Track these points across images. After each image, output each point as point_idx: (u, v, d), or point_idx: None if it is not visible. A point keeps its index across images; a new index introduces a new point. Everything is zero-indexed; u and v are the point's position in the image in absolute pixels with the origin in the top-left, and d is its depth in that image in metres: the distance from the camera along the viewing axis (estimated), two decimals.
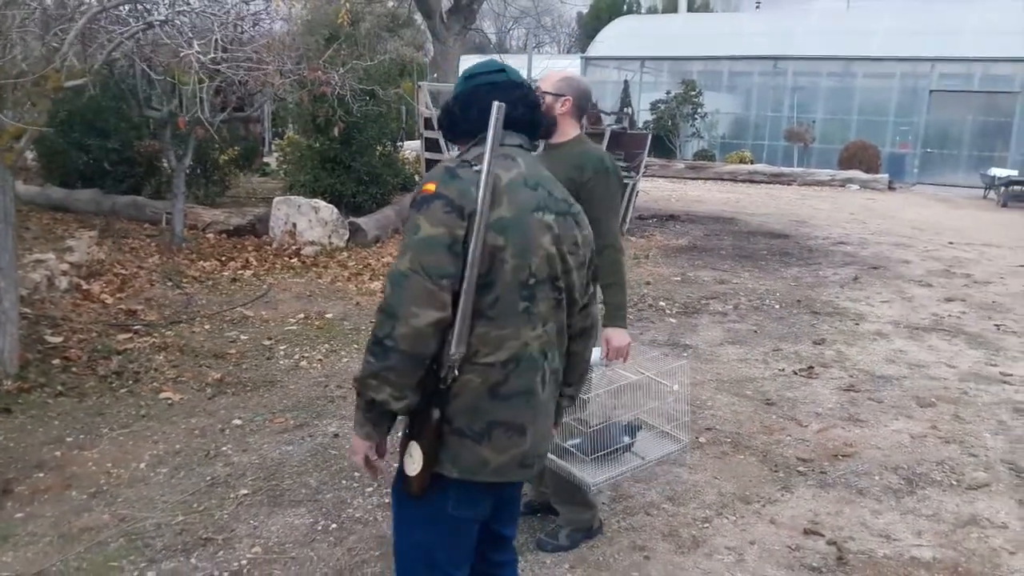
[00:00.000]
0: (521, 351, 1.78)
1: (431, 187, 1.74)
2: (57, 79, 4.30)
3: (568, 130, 2.80)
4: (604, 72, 22.82)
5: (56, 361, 4.66)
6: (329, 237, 8.62)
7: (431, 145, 9.27)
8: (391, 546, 2.94)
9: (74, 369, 4.61)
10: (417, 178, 10.67)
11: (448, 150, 9.34)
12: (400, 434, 1.87)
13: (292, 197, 8.86)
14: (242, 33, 6.64)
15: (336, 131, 8.41)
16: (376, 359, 1.69)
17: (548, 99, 2.73)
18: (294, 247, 8.38)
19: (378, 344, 1.68)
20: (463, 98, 1.90)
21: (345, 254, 8.33)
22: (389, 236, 9.19)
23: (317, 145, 9.53)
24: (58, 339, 4.97)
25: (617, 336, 2.83)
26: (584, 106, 2.87)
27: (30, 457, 3.57)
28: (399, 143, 10.62)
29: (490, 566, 2.05)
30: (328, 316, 6.12)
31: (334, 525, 3.15)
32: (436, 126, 2.10)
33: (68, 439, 3.79)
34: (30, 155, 9.56)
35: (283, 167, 11.10)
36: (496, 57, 2.06)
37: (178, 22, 5.12)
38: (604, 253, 2.67)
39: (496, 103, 1.78)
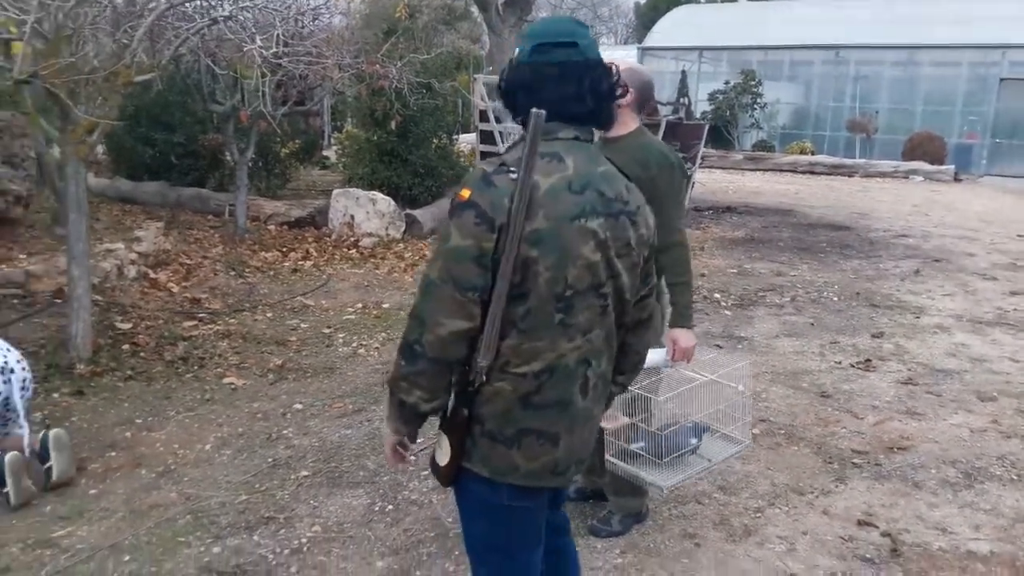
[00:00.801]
0: (556, 362, 1.72)
1: (466, 194, 1.67)
2: (127, 75, 4.46)
3: (628, 122, 2.72)
4: (662, 63, 22.55)
5: (126, 347, 4.85)
6: (386, 229, 8.75)
7: (486, 137, 9.32)
8: (446, 528, 3.05)
9: (143, 354, 4.79)
10: (471, 170, 10.72)
11: (503, 142, 9.38)
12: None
13: (350, 189, 9.01)
14: (303, 28, 6.78)
15: (393, 124, 8.51)
16: (407, 362, 1.70)
17: None
18: (352, 238, 8.53)
19: (408, 348, 1.69)
20: (524, 77, 1.75)
21: (402, 245, 8.45)
22: None
23: (375, 138, 9.67)
24: (127, 325, 5.17)
25: (684, 337, 2.78)
26: (647, 98, 2.79)
27: (102, 437, 3.73)
28: (454, 136, 10.68)
29: (555, 536, 2.08)
30: (385, 306, 6.22)
31: (390, 506, 3.22)
32: (502, 103, 2.01)
33: (137, 421, 3.95)
34: (100, 149, 9.91)
35: (342, 160, 11.28)
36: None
37: (241, 17, 5.25)
38: (670, 251, 2.63)
39: (534, 111, 1.66)
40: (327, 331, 5.58)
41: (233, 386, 4.46)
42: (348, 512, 3.17)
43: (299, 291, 6.50)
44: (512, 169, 1.66)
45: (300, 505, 3.21)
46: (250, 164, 8.55)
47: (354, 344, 5.32)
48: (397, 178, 9.70)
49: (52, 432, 3.30)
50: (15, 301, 5.11)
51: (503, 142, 9.32)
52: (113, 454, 3.58)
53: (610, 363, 1.87)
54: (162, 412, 4.06)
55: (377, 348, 5.24)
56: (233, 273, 6.81)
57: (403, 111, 8.68)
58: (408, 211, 9.14)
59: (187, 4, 5.45)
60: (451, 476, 1.80)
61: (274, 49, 5.06)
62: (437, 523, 3.11)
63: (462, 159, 10.87)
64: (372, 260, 7.84)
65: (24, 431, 3.27)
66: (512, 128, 9.82)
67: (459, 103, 11.98)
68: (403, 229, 8.93)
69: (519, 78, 1.76)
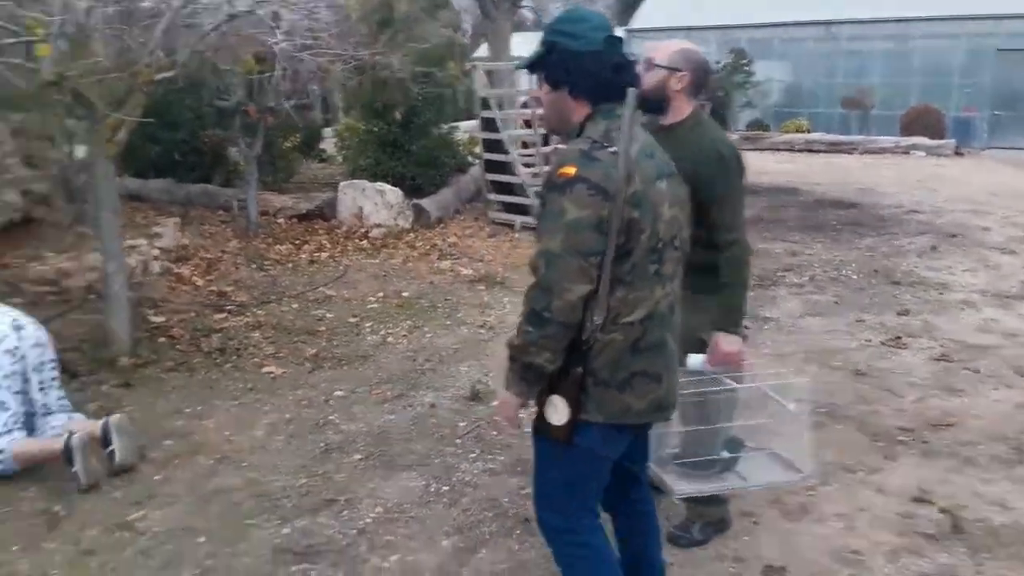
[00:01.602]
0: (654, 308, 1.98)
1: (571, 170, 1.87)
2: (148, 73, 4.49)
3: (684, 108, 2.62)
4: (648, 45, 22.50)
5: (162, 340, 4.92)
6: (395, 219, 8.81)
7: (488, 125, 9.36)
8: (503, 508, 3.14)
9: (179, 346, 4.87)
10: (470, 159, 10.77)
11: (502, 130, 9.41)
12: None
13: (357, 181, 9.06)
14: (316, 20, 6.79)
15: (397, 115, 8.55)
16: (536, 328, 1.89)
17: (662, 74, 2.59)
18: (362, 230, 8.59)
19: (536, 315, 1.89)
20: (593, 64, 1.94)
21: (412, 235, 8.51)
22: (451, 216, 9.33)
23: (376, 129, 9.71)
24: (161, 319, 5.23)
25: (726, 341, 2.57)
26: (702, 82, 2.65)
27: (156, 427, 3.81)
28: (454, 125, 10.73)
29: (633, 503, 2.32)
30: (405, 295, 6.30)
31: (446, 488, 3.32)
32: (541, 78, 1.98)
33: (187, 410, 4.03)
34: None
35: (342, 152, 11.31)
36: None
37: (260, 12, 5.28)
38: (729, 249, 2.58)
39: (631, 90, 1.92)
40: (353, 320, 5.66)
41: (273, 375, 4.54)
42: (406, 494, 3.27)
43: (320, 282, 6.57)
44: (606, 144, 1.90)
45: (359, 488, 3.30)
46: (257, 159, 8.58)
47: (382, 332, 5.40)
48: (401, 168, 9.74)
49: (113, 418, 3.41)
50: (50, 298, 5.16)
51: (503, 130, 9.36)
52: (170, 442, 3.67)
53: (679, 314, 2.12)
54: (209, 401, 4.14)
55: (405, 336, 5.32)
56: (253, 266, 6.87)
57: (405, 101, 8.72)
58: (415, 201, 9.19)
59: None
60: (571, 432, 1.97)
61: (296, 42, 5.10)
62: (494, 504, 3.20)
63: (462, 147, 10.93)
64: (385, 250, 7.90)
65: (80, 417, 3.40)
66: (512, 115, 9.89)
67: (456, 92, 12.00)
68: (411, 219, 8.99)
69: (588, 65, 1.96)
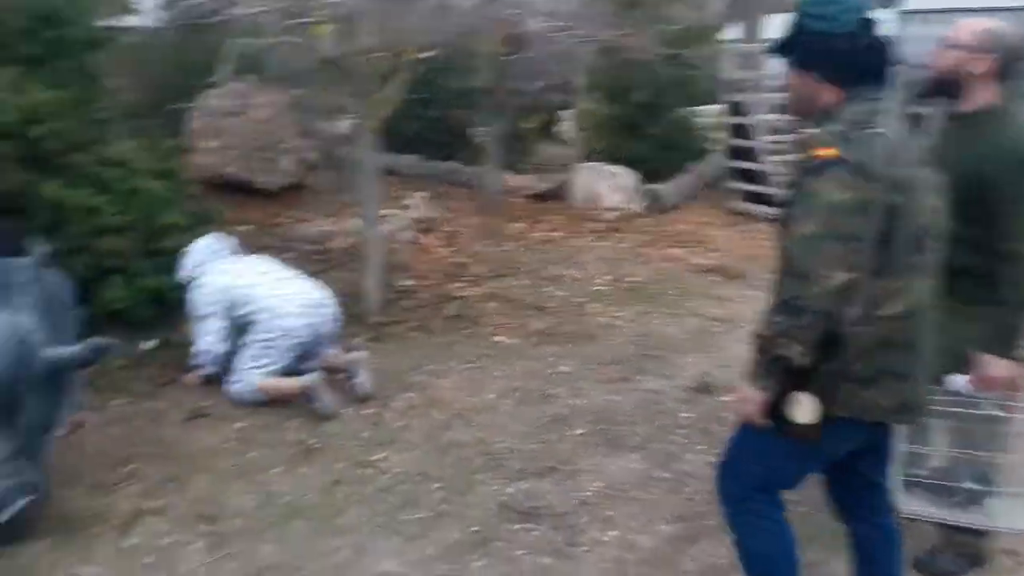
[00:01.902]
0: (913, 303, 1.86)
1: (829, 152, 1.77)
2: (412, 52, 4.80)
3: (984, 95, 2.33)
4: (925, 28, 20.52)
5: (407, 302, 5.29)
6: (628, 203, 8.79)
7: (735, 109, 9.04)
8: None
9: (422, 309, 5.21)
10: (708, 144, 10.46)
11: (751, 115, 9.04)
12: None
13: (593, 163, 9.15)
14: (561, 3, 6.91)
15: (639, 97, 8.48)
16: (787, 318, 1.79)
17: (959, 55, 2.32)
18: (594, 212, 8.66)
19: (788, 305, 1.79)
20: (853, 45, 1.85)
21: (644, 220, 8.45)
22: (686, 203, 9.14)
23: (616, 112, 9.71)
24: (407, 283, 5.63)
25: (996, 365, 2.31)
26: (1010, 68, 2.33)
27: (399, 380, 4.11)
28: (696, 109, 10.46)
29: (871, 512, 2.15)
30: (634, 279, 6.28)
31: (667, 475, 3.27)
32: (798, 60, 1.87)
33: (426, 368, 4.31)
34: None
35: (579, 135, 11.46)
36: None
37: None
38: (1014, 262, 2.28)
39: (900, 70, 1.88)
40: (581, 300, 5.73)
41: (503, 344, 4.73)
42: (627, 474, 3.27)
43: (551, 261, 6.72)
44: (867, 125, 1.80)
45: (581, 460, 3.35)
46: (499, 139, 8.92)
47: (609, 315, 5.42)
48: (636, 152, 9.68)
49: (356, 354, 3.92)
50: (314, 257, 5.74)
51: (751, 115, 8.99)
52: (411, 395, 3.94)
53: (935, 312, 1.97)
54: (446, 362, 4.40)
55: (632, 320, 5.30)
56: (491, 241, 7.18)
57: (648, 83, 8.62)
58: (650, 185, 9.11)
59: None
60: (819, 430, 1.85)
61: (550, 24, 5.21)
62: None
63: (704, 132, 10.64)
64: (616, 233, 7.91)
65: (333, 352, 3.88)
66: (761, 100, 9.45)
67: (702, 75, 11.68)
68: (645, 204, 8.92)
69: (839, 48, 1.87)
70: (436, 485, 3.09)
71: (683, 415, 3.85)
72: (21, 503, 2.56)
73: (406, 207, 7.26)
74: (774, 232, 2.00)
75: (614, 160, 9.40)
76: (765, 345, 1.84)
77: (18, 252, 2.96)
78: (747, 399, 1.94)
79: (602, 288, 6.05)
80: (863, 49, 1.85)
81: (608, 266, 6.64)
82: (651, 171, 9.62)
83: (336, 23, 4.35)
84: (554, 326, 5.11)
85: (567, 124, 13.20)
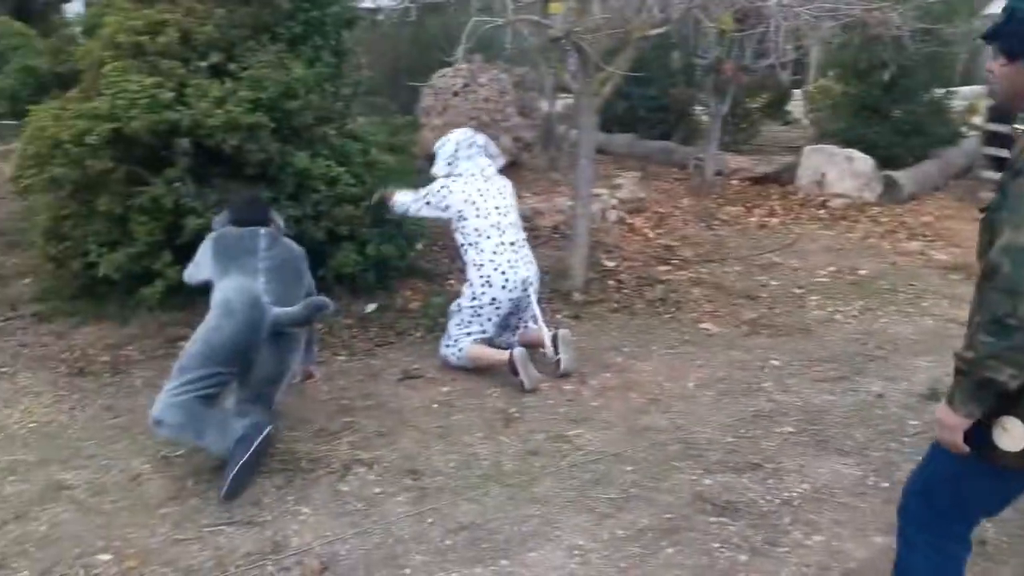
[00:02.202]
0: None
1: None
2: (641, 29, 4.72)
3: None
4: None
5: (611, 282, 5.27)
6: (860, 190, 8.14)
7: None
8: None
9: (624, 291, 5.17)
10: (964, 130, 9.42)
11: None
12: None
13: (825, 146, 8.55)
14: None
15: (886, 76, 7.79)
16: (997, 338, 1.63)
17: None
18: (820, 198, 8.11)
19: (999, 323, 1.63)
20: None
21: (877, 209, 7.78)
22: (928, 193, 8.31)
23: (855, 91, 8.99)
24: (611, 264, 5.61)
25: None
26: None
27: (597, 358, 4.12)
28: (950, 90, 9.41)
29: None
30: (861, 272, 5.81)
31: (885, 483, 3.01)
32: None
33: (624, 349, 4.27)
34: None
35: (810, 115, 10.76)
36: None
37: None
38: None
39: None
40: (798, 291, 5.41)
41: (708, 332, 4.57)
42: (838, 478, 3.05)
43: (767, 248, 6.40)
44: None
45: (786, 460, 3.17)
46: (726, 118, 8.58)
47: (829, 308, 5.07)
48: (875, 135, 8.90)
49: (560, 332, 3.93)
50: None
51: None
52: (607, 375, 3.93)
53: None
54: (646, 345, 4.33)
55: (855, 316, 4.92)
56: (702, 224, 6.96)
57: (896, 60, 7.87)
58: (887, 172, 8.37)
59: None
60: None
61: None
62: None
63: (957, 116, 9.57)
64: (843, 222, 7.37)
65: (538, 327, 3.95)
66: None
67: (959, 52, 10.48)
68: (879, 192, 8.21)
69: None
70: (629, 467, 3.06)
71: (910, 423, 3.52)
72: (258, 441, 2.86)
73: (616, 187, 7.21)
74: (979, 239, 1.79)
75: (848, 143, 8.73)
76: (969, 367, 1.68)
77: (264, 220, 3.29)
78: (949, 425, 1.76)
79: (824, 280, 5.67)
80: None
81: (832, 257, 6.21)
82: (889, 157, 8.84)
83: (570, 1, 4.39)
84: (766, 316, 4.87)
85: (796, 104, 12.45)
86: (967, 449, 1.75)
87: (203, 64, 4.04)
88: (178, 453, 3.10)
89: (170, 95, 3.84)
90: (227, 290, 2.99)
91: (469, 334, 3.88)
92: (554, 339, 3.90)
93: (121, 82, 3.87)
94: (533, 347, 3.94)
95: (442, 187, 3.95)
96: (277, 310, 2.96)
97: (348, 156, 4.41)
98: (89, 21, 4.86)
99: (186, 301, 4.02)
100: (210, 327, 2.94)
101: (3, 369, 3.81)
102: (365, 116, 4.89)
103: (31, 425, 3.32)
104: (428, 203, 3.99)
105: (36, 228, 4.52)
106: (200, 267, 3.18)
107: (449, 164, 4.02)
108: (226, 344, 2.90)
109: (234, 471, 2.79)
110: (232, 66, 4.08)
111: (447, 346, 3.93)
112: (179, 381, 2.87)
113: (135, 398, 3.56)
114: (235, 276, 3.02)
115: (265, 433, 2.90)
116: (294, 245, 3.32)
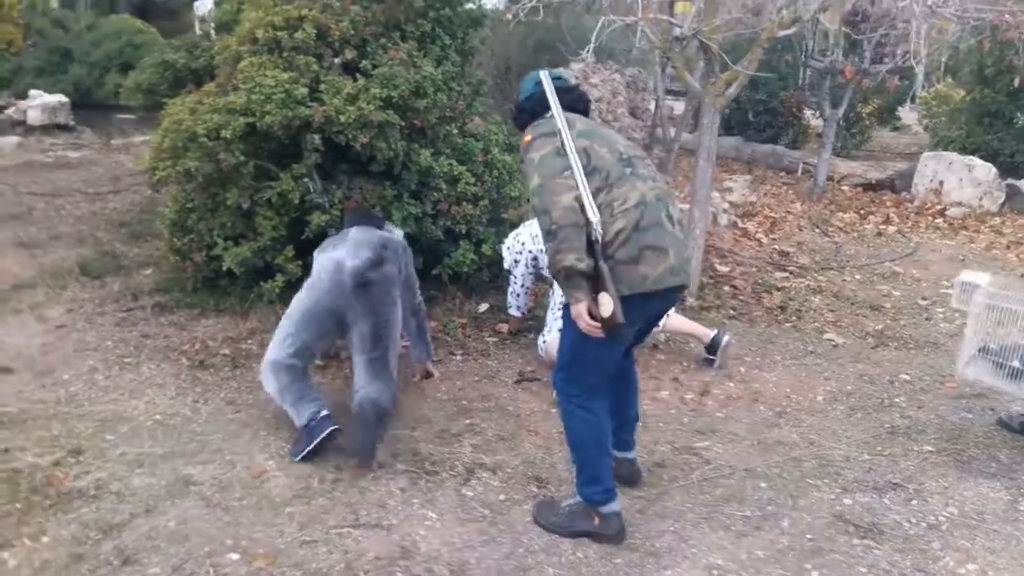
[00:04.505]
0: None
1: None
2: (771, 29, 4.58)
3: None
4: None
5: (726, 288, 5.14)
6: (980, 199, 7.74)
7: None
8: None
9: (741, 297, 5.03)
10: None
11: None
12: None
13: (943, 153, 8.17)
14: None
15: (1016, 82, 7.37)
16: (550, 241, 2.41)
17: None
18: (937, 206, 7.75)
19: (544, 231, 2.41)
20: None
21: (998, 219, 7.39)
22: None
23: (976, 97, 8.56)
24: (726, 269, 5.47)
25: None
26: None
27: (720, 368, 4.01)
28: None
29: (619, 366, 2.67)
30: None
31: None
32: None
33: (746, 359, 4.15)
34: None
35: (925, 120, 10.30)
36: None
37: None
38: None
39: None
40: (923, 302, 5.16)
41: (833, 343, 4.40)
42: (986, 502, 2.87)
43: (886, 256, 6.14)
44: None
45: (928, 480, 3.01)
46: (839, 123, 8.29)
47: (957, 322, 4.80)
48: (998, 143, 8.48)
49: (725, 337, 4.00)
50: None
51: None
52: (731, 385, 3.83)
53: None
54: (768, 355, 4.20)
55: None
56: (817, 230, 6.73)
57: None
58: (1011, 181, 7.93)
59: None
60: (620, 312, 2.30)
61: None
62: None
63: None
64: (964, 232, 7.02)
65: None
66: None
67: None
68: (1001, 201, 7.79)
69: None
70: (763, 484, 2.95)
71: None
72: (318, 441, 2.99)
73: (727, 190, 7.05)
74: None
75: (966, 151, 8.33)
76: (553, 268, 2.37)
77: (376, 221, 3.49)
78: (576, 314, 2.36)
79: (948, 291, 5.38)
80: None
81: (955, 267, 5.91)
82: (1011, 165, 8.40)
83: (699, 1, 4.29)
84: (891, 328, 4.66)
85: (912, 110, 11.95)
86: (597, 324, 2.33)
87: (336, 61, 4.11)
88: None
89: (304, 91, 3.92)
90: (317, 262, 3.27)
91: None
92: (715, 339, 4.00)
93: (257, 77, 3.96)
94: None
95: (511, 239, 4.18)
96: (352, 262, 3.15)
97: (469, 155, 4.43)
98: (221, 17, 5.00)
99: None
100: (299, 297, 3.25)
101: (127, 359, 3.86)
102: (479, 115, 4.88)
103: (156, 417, 3.33)
104: (516, 263, 4.16)
105: (163, 220, 4.64)
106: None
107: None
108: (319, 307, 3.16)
109: (300, 455, 3.02)
110: (364, 63, 4.14)
111: (544, 341, 3.94)
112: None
113: (256, 392, 3.54)
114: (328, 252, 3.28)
115: (328, 432, 2.99)
116: (396, 238, 3.49)
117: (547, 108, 2.56)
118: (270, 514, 2.70)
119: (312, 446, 2.98)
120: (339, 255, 3.19)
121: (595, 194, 2.38)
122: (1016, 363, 3.03)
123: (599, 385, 2.56)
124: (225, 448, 3.12)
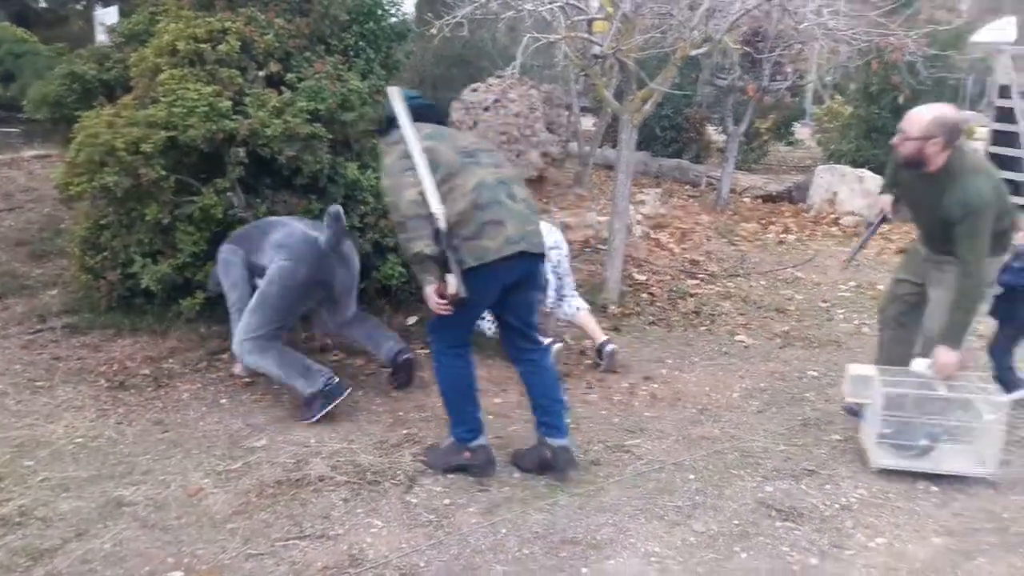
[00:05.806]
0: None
1: None
2: (684, 48, 4.83)
3: (939, 161, 3.07)
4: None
5: (644, 295, 5.36)
6: (871, 208, 8.29)
7: (1003, 116, 8.20)
8: (1003, 523, 2.84)
9: (658, 304, 5.26)
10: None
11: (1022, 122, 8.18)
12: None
13: (836, 166, 8.72)
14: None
15: (901, 99, 7.98)
16: (401, 233, 2.94)
17: (915, 144, 3.04)
18: (832, 215, 8.26)
19: (398, 224, 2.95)
20: None
21: (888, 227, 7.91)
22: None
23: (863, 113, 9.18)
24: (643, 277, 5.70)
25: (944, 354, 3.11)
26: (954, 140, 3.03)
27: (641, 370, 4.21)
28: None
29: (522, 352, 3.09)
30: (880, 287, 5.91)
31: (935, 488, 3.10)
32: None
33: (667, 361, 4.36)
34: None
35: (817, 136, 10.95)
36: None
37: None
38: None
39: None
40: (824, 304, 5.52)
41: (745, 344, 4.66)
42: (890, 483, 3.13)
43: (787, 263, 6.52)
44: None
45: (839, 466, 3.25)
46: (740, 138, 8.74)
47: (855, 321, 5.19)
48: (884, 156, 9.07)
49: (611, 347, 4.19)
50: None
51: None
52: (655, 386, 4.01)
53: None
54: (686, 357, 4.42)
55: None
56: (724, 240, 7.07)
57: (909, 85, 8.08)
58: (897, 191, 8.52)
59: None
60: (462, 287, 2.71)
61: (823, 21, 5.03)
62: (992, 515, 2.92)
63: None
64: (856, 239, 7.49)
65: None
66: None
67: (966, 79, 10.72)
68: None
69: None
70: (691, 476, 3.13)
71: None
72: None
73: (639, 203, 7.32)
74: None
75: (857, 164, 8.92)
76: (407, 257, 2.86)
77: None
78: (428, 295, 2.82)
79: (846, 294, 5.79)
80: None
81: (850, 272, 6.32)
82: None
83: (616, 20, 4.48)
84: (797, 329, 4.97)
85: (805, 125, 12.66)
86: (445, 302, 2.75)
87: (261, 74, 4.10)
88: (235, 467, 3.07)
89: (228, 103, 3.90)
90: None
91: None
92: (600, 347, 4.19)
93: (179, 90, 3.92)
94: None
95: None
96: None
97: None
98: (132, 28, 4.89)
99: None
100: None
101: (39, 383, 3.74)
102: None
103: (78, 440, 3.23)
104: None
105: (72, 238, 4.47)
106: None
107: None
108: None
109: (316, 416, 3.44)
110: (289, 76, 4.15)
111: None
112: None
113: (184, 411, 3.52)
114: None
115: (347, 394, 3.49)
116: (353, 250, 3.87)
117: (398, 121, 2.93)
118: (211, 531, 2.68)
119: (331, 406, 3.42)
120: (309, 235, 3.58)
121: (439, 185, 2.74)
122: (924, 441, 3.16)
123: (461, 342, 3.03)
124: (156, 468, 3.06)
